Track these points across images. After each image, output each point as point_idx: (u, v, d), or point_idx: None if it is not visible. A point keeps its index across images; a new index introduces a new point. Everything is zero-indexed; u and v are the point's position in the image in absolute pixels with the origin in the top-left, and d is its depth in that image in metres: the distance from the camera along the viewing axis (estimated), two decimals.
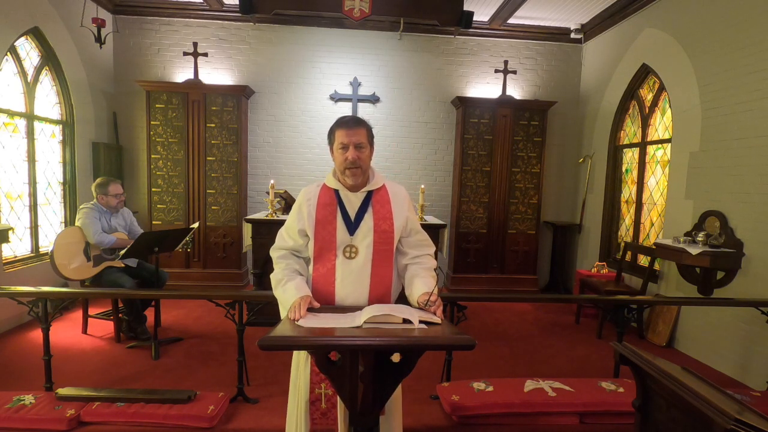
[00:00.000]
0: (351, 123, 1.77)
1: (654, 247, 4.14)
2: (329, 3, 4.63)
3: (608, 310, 3.48)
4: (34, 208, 4.51)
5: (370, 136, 1.82)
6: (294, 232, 1.84)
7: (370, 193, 1.83)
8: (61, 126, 4.90)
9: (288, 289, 1.73)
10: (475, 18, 5.13)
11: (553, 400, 2.69)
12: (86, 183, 5.04)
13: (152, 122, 5.34)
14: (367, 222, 1.79)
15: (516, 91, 6.05)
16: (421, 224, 1.95)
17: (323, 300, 1.77)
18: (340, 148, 1.76)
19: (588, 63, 5.98)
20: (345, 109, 5.91)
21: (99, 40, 4.69)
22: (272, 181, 4.71)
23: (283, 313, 1.76)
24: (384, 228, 1.79)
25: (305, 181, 5.86)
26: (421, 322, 1.52)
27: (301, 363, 1.83)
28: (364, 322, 1.48)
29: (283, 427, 2.10)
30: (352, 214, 1.80)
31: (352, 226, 1.79)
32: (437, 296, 1.66)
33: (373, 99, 5.93)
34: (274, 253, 1.89)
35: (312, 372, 1.78)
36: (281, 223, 1.94)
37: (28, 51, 4.43)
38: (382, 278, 1.80)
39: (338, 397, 1.73)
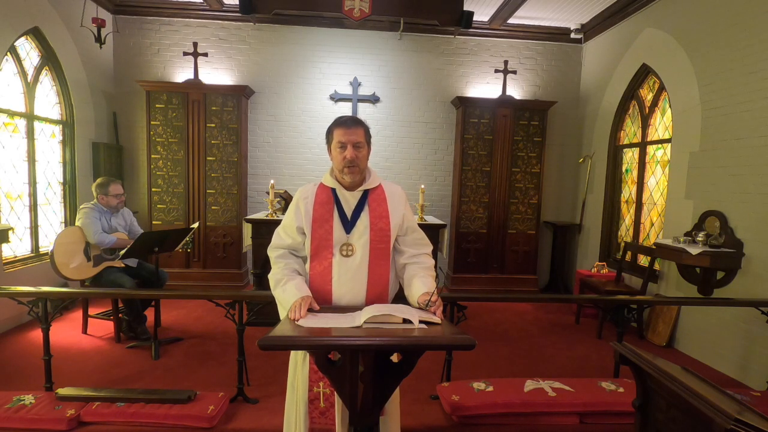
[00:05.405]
0: (349, 122, 1.78)
1: (654, 247, 4.14)
2: (329, 3, 4.63)
3: (608, 310, 3.48)
4: (34, 208, 4.51)
5: (368, 136, 1.83)
6: (292, 230, 1.85)
7: (366, 192, 1.84)
8: (61, 126, 4.90)
9: (288, 289, 1.73)
10: (475, 18, 5.12)
11: (553, 400, 2.69)
12: (86, 183, 5.04)
13: (152, 122, 5.34)
14: (364, 220, 1.80)
15: (516, 91, 6.04)
16: (421, 224, 1.96)
17: (320, 298, 1.77)
18: (338, 147, 1.76)
19: (588, 63, 5.98)
20: (345, 109, 5.91)
21: (99, 40, 4.69)
22: (272, 181, 4.72)
23: (282, 313, 1.77)
24: (380, 226, 1.80)
25: (305, 180, 5.85)
26: (421, 322, 1.53)
27: (298, 362, 1.83)
28: (364, 322, 1.48)
29: (282, 427, 2.09)
30: (348, 213, 1.81)
31: (348, 225, 1.80)
32: (437, 296, 1.66)
33: (373, 99, 5.93)
34: (272, 252, 1.90)
35: (310, 370, 1.78)
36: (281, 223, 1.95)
37: (28, 51, 4.43)
38: (380, 276, 1.80)
39: (336, 397, 1.73)
